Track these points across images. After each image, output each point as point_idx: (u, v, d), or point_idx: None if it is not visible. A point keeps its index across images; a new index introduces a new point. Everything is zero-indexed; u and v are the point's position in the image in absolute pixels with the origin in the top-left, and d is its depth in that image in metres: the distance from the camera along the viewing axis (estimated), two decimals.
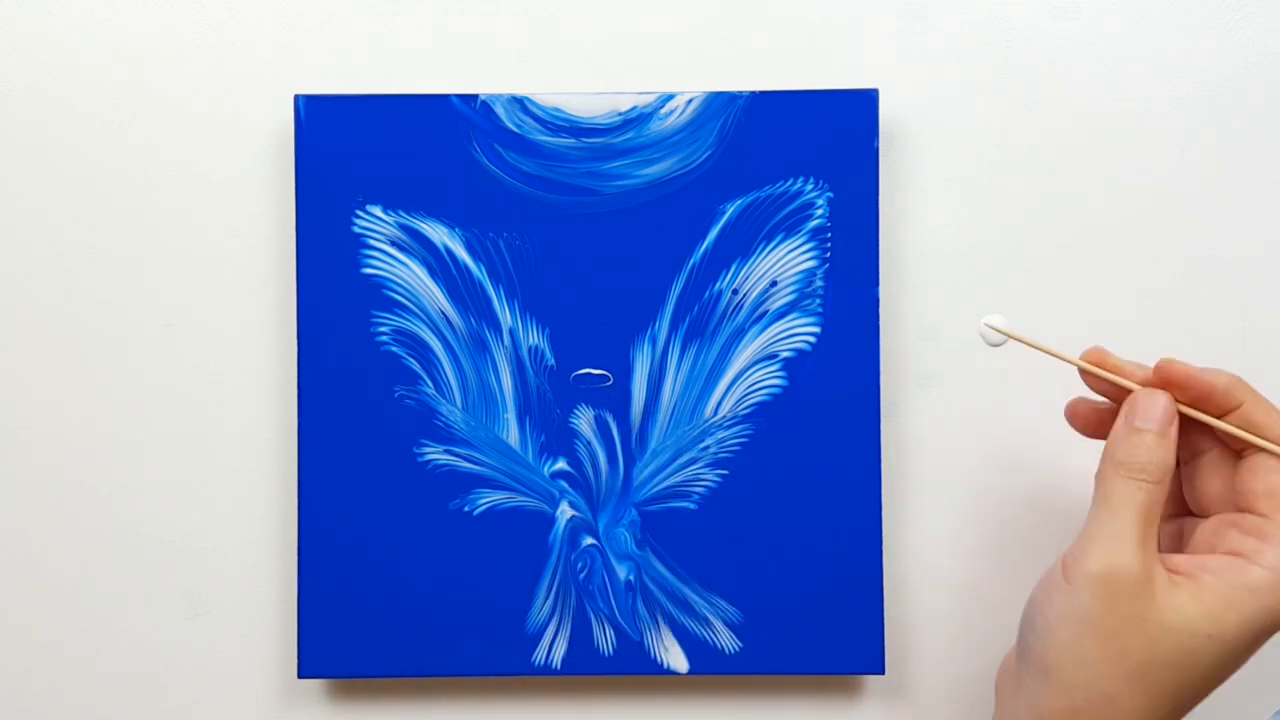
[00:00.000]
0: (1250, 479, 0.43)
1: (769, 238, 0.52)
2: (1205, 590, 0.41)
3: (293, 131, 0.52)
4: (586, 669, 0.51)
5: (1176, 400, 0.44)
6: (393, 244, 0.52)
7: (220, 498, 0.53)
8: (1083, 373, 0.46)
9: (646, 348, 0.52)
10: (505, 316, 0.52)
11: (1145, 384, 0.44)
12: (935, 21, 0.53)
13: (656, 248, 0.51)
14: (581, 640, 0.51)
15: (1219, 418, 0.44)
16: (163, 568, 0.53)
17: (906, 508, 0.53)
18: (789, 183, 0.51)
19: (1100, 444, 0.45)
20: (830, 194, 0.51)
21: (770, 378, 0.52)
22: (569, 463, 0.52)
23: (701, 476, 0.51)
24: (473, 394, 0.52)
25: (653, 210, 0.51)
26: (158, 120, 0.53)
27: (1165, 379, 0.44)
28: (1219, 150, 0.53)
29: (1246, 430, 0.43)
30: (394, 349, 0.52)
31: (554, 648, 0.51)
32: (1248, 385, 0.44)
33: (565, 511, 0.52)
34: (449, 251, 0.52)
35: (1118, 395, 0.45)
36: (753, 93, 0.51)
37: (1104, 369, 0.45)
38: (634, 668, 0.51)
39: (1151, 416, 0.44)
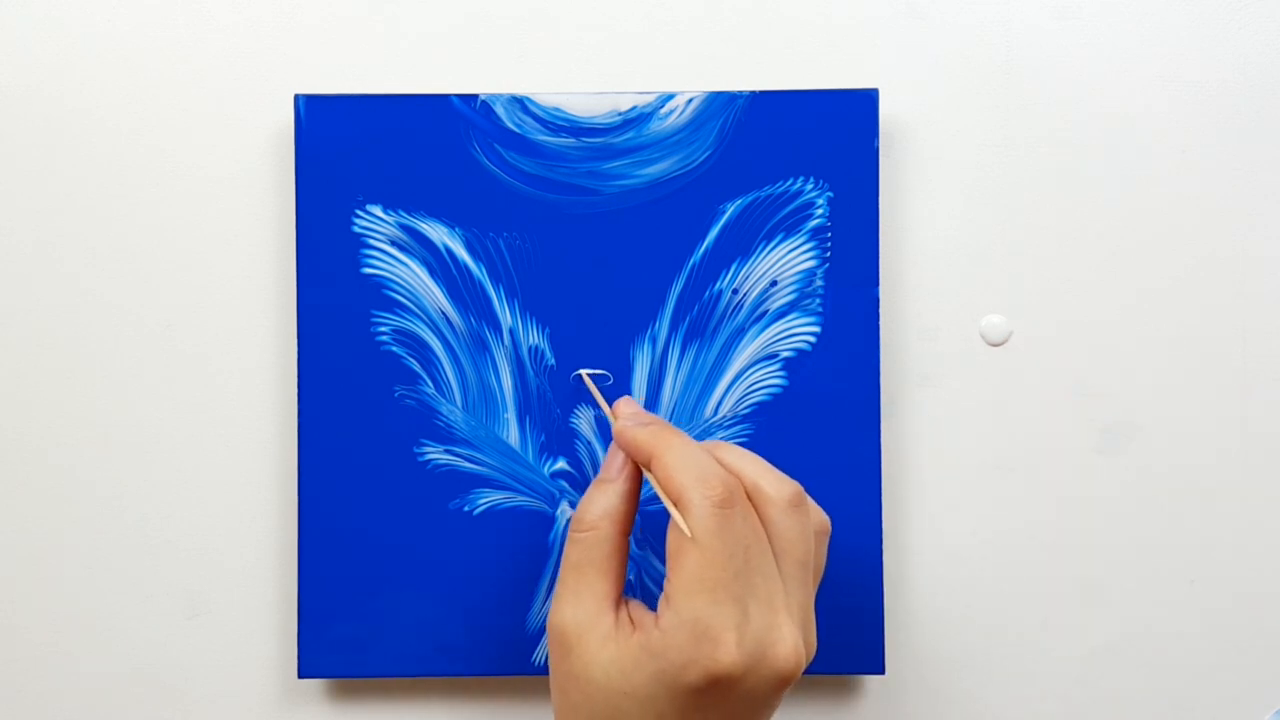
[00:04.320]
0: (668, 535, 0.42)
1: (769, 237, 0.52)
2: (624, 648, 0.41)
3: (293, 131, 0.52)
4: None
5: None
6: (393, 244, 0.52)
7: (220, 498, 0.53)
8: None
9: (646, 348, 0.52)
10: (505, 316, 0.52)
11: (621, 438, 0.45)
12: (935, 21, 0.53)
13: (656, 248, 0.51)
14: None
15: (649, 469, 0.44)
16: (163, 568, 0.53)
17: (906, 508, 0.53)
18: (789, 183, 0.52)
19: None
20: (830, 194, 0.51)
21: (770, 378, 0.52)
22: (569, 462, 0.52)
23: None
24: (473, 394, 0.52)
25: (653, 210, 0.51)
26: (158, 120, 0.53)
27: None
28: (1219, 150, 0.53)
29: (659, 484, 0.43)
30: (394, 349, 0.52)
31: None
32: (668, 436, 0.44)
33: (565, 511, 0.52)
34: (449, 251, 0.52)
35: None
36: (753, 93, 0.51)
37: (610, 411, 0.47)
38: None
39: (604, 466, 0.45)
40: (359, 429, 0.51)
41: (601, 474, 0.45)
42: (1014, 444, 0.53)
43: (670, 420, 0.52)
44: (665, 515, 0.52)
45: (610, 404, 0.49)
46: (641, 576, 0.51)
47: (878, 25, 0.53)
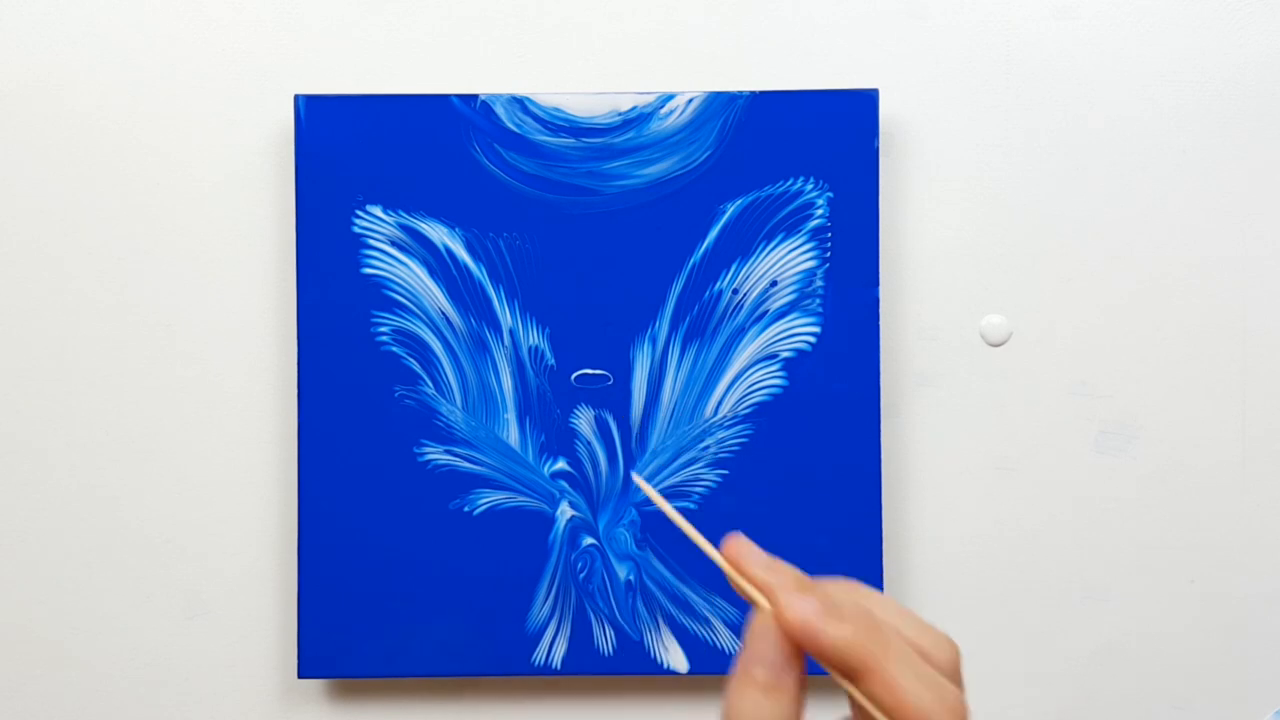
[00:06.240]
0: None
1: (769, 238, 0.52)
2: None
3: (293, 131, 0.52)
4: (586, 669, 0.51)
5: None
6: (393, 244, 0.52)
7: (220, 498, 0.53)
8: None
9: (646, 348, 0.52)
10: (505, 316, 0.52)
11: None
12: (936, 21, 0.53)
13: (656, 248, 0.51)
14: (581, 640, 0.51)
15: (856, 681, 0.33)
16: (163, 568, 0.53)
17: (906, 508, 0.53)
18: (789, 183, 0.51)
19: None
20: (830, 194, 0.51)
21: (770, 378, 0.52)
22: (569, 463, 0.52)
23: (701, 476, 0.51)
24: (473, 394, 0.52)
25: (653, 210, 0.51)
26: (158, 120, 0.53)
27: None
28: (1219, 150, 0.53)
29: (881, 709, 0.32)
30: (394, 349, 0.52)
31: (554, 648, 0.51)
32: (881, 638, 0.33)
33: (565, 511, 0.52)
34: (449, 251, 0.52)
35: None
36: (753, 93, 0.51)
37: (739, 571, 0.34)
38: (634, 668, 0.51)
39: (760, 658, 0.33)
40: (359, 429, 0.51)
41: (759, 671, 0.33)
42: (1014, 444, 0.53)
43: (670, 420, 0.52)
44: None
45: (713, 544, 0.35)
46: (641, 577, 0.51)
47: (878, 25, 0.53)
